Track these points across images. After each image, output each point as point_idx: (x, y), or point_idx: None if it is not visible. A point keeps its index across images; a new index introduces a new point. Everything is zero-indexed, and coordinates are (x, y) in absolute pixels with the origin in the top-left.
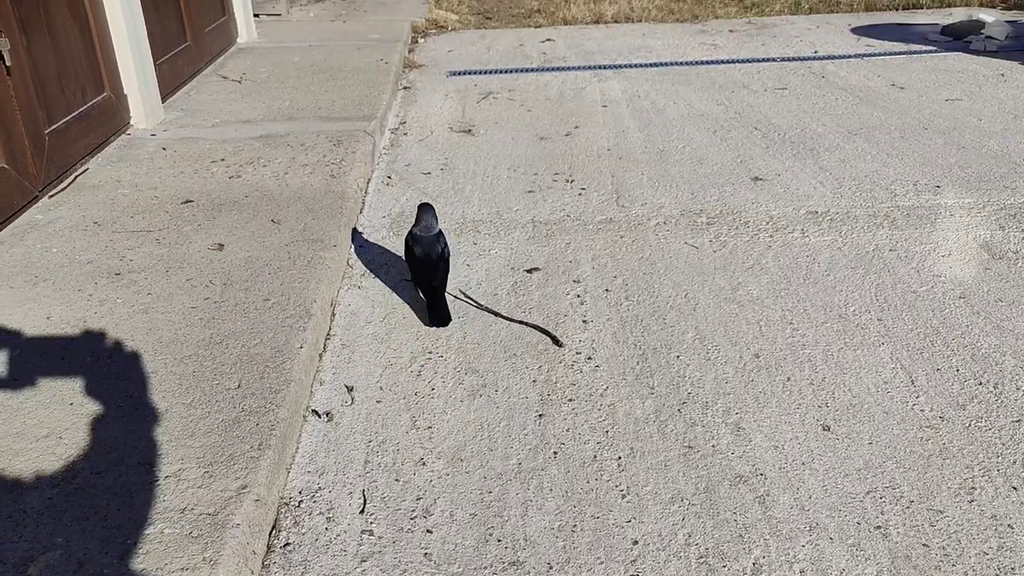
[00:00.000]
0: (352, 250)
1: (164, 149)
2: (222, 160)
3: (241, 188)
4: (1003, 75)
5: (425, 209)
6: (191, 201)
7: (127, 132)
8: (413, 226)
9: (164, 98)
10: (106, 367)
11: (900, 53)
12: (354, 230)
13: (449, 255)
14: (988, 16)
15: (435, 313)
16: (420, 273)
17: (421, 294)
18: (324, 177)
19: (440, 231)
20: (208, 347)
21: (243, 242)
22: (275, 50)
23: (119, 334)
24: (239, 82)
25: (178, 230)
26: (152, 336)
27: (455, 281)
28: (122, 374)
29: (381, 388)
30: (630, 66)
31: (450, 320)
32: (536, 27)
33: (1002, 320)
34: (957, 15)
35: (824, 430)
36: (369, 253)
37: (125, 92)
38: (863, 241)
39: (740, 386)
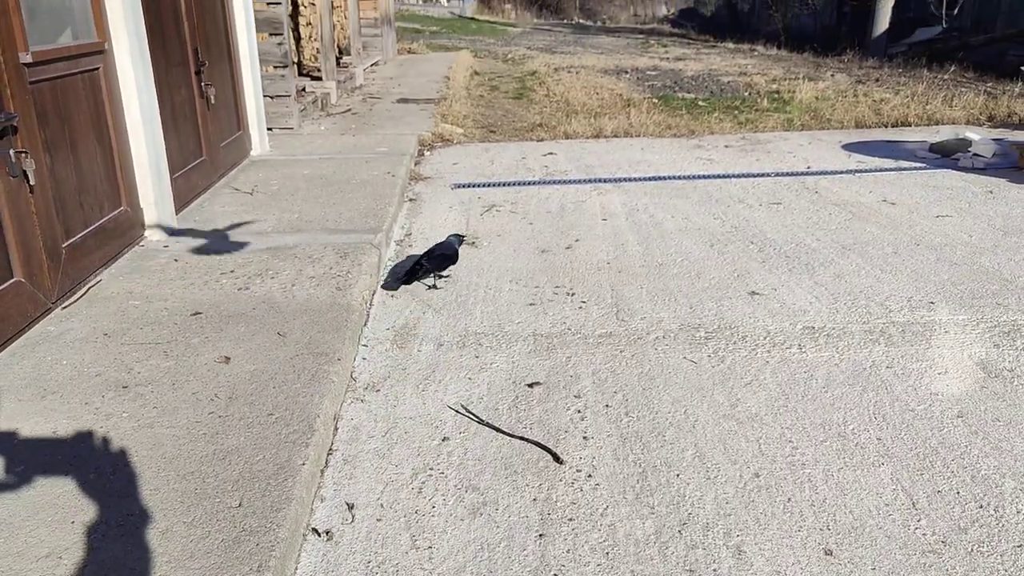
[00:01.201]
0: (356, 363)
1: (176, 260)
2: (231, 272)
3: (249, 300)
4: (991, 192)
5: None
6: (200, 313)
7: (141, 243)
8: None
9: (178, 210)
10: (109, 484)
11: (890, 170)
12: (358, 343)
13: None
14: (974, 134)
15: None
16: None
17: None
18: (330, 289)
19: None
20: (211, 463)
21: (249, 355)
22: (286, 163)
23: (123, 449)
24: (251, 194)
25: (186, 342)
26: (156, 451)
27: (456, 396)
28: (124, 491)
29: (382, 505)
30: (629, 180)
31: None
32: (538, 141)
33: (1000, 440)
34: (944, 133)
35: (826, 554)
36: (372, 366)
37: (141, 206)
38: (860, 357)
39: (741, 507)
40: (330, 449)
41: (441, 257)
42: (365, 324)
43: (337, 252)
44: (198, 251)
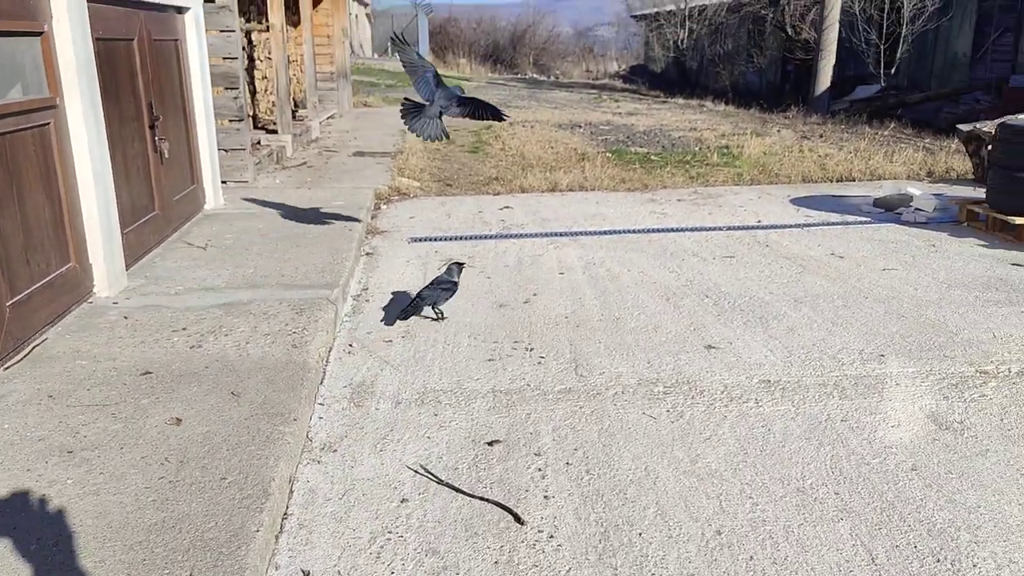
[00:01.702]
0: (312, 422)
1: (126, 318)
2: (184, 329)
3: (202, 358)
4: (934, 246)
5: (456, 266)
6: (150, 372)
7: (89, 300)
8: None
9: (128, 265)
10: (51, 555)
11: (837, 224)
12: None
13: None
14: (916, 189)
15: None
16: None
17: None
18: (286, 347)
19: (456, 281)
20: (160, 532)
21: (202, 416)
22: (241, 216)
23: (67, 518)
24: (204, 249)
25: (135, 403)
26: (102, 520)
27: (415, 455)
28: (67, 564)
29: (339, 572)
30: (585, 233)
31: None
32: (495, 194)
33: (954, 493)
34: (887, 188)
35: None
36: (329, 426)
37: (90, 262)
38: (815, 411)
39: (704, 566)
40: (285, 513)
41: (440, 289)
42: (321, 382)
43: (293, 308)
44: (149, 308)
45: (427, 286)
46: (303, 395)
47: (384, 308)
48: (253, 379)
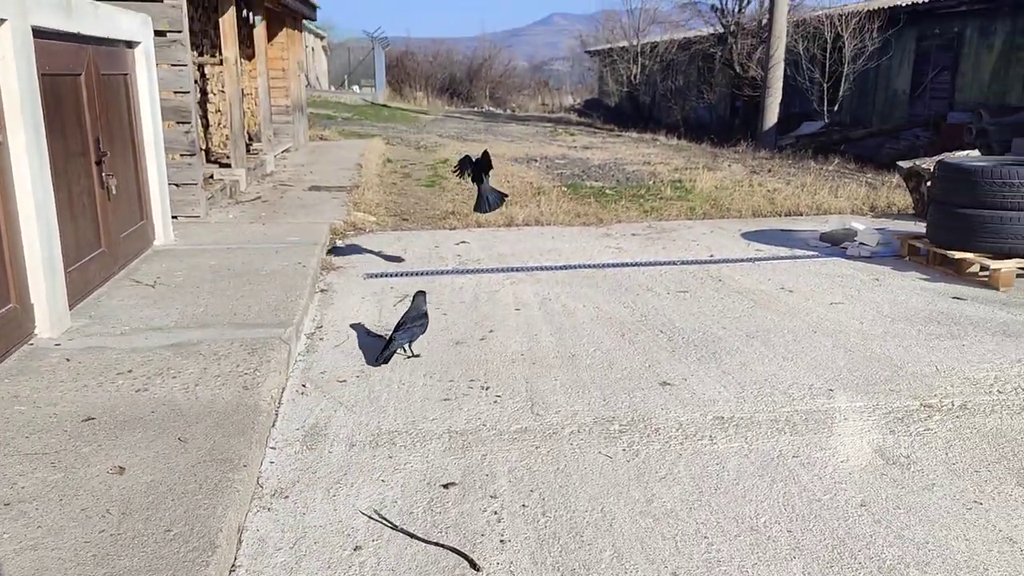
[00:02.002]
0: (263, 467)
1: (68, 360)
2: (129, 372)
3: (148, 403)
4: (877, 280)
5: (420, 295)
6: (93, 418)
7: (30, 342)
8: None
9: (72, 304)
10: None
11: (786, 258)
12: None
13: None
14: (860, 224)
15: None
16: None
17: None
18: (237, 389)
19: (426, 312)
20: None
21: (146, 464)
22: (192, 253)
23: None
24: (152, 287)
25: (76, 451)
26: None
27: (369, 500)
28: None
29: None
30: (541, 269)
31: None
32: (451, 229)
33: (902, 529)
34: (832, 222)
35: None
36: (280, 470)
37: (32, 301)
38: (767, 447)
39: None
40: (233, 565)
41: (416, 327)
42: (273, 424)
43: (245, 348)
44: (93, 349)
45: (400, 325)
46: (254, 439)
47: (337, 347)
48: (202, 423)
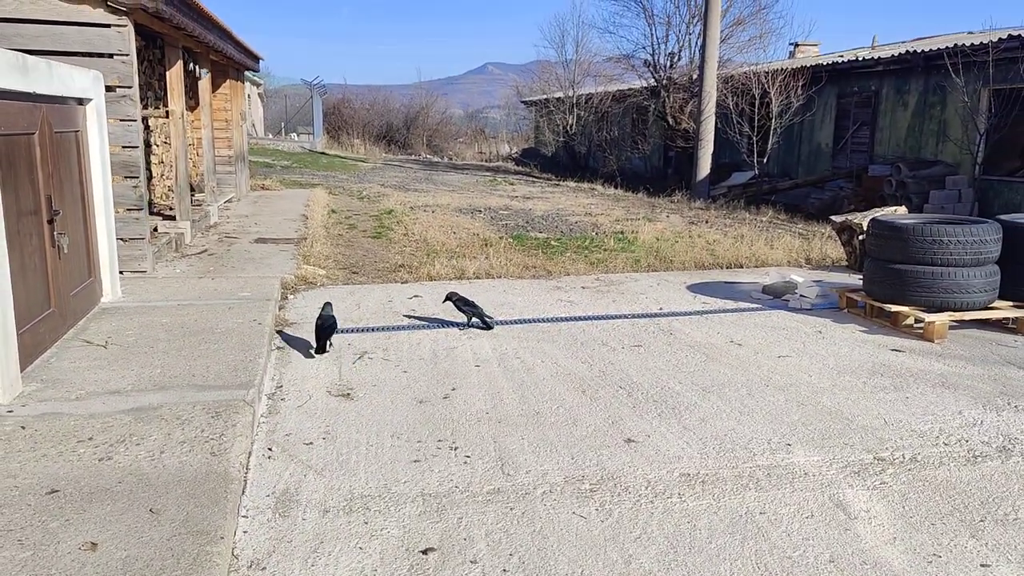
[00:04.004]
0: (236, 537)
1: (23, 428)
2: (90, 439)
3: (113, 472)
4: (820, 332)
5: (327, 306)
6: (57, 491)
7: None
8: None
9: (23, 367)
10: None
11: (732, 311)
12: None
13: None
14: (799, 277)
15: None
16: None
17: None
18: (204, 455)
19: (334, 317)
20: None
21: (119, 539)
22: (142, 310)
23: None
24: (104, 347)
25: (44, 527)
26: None
27: (348, 568)
28: None
29: None
30: (496, 323)
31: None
32: (402, 283)
33: None
34: (773, 275)
35: None
36: (255, 541)
37: None
38: (734, 504)
39: None
40: None
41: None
42: (243, 491)
43: (208, 412)
44: (49, 416)
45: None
46: (228, 509)
47: (300, 407)
48: (172, 493)
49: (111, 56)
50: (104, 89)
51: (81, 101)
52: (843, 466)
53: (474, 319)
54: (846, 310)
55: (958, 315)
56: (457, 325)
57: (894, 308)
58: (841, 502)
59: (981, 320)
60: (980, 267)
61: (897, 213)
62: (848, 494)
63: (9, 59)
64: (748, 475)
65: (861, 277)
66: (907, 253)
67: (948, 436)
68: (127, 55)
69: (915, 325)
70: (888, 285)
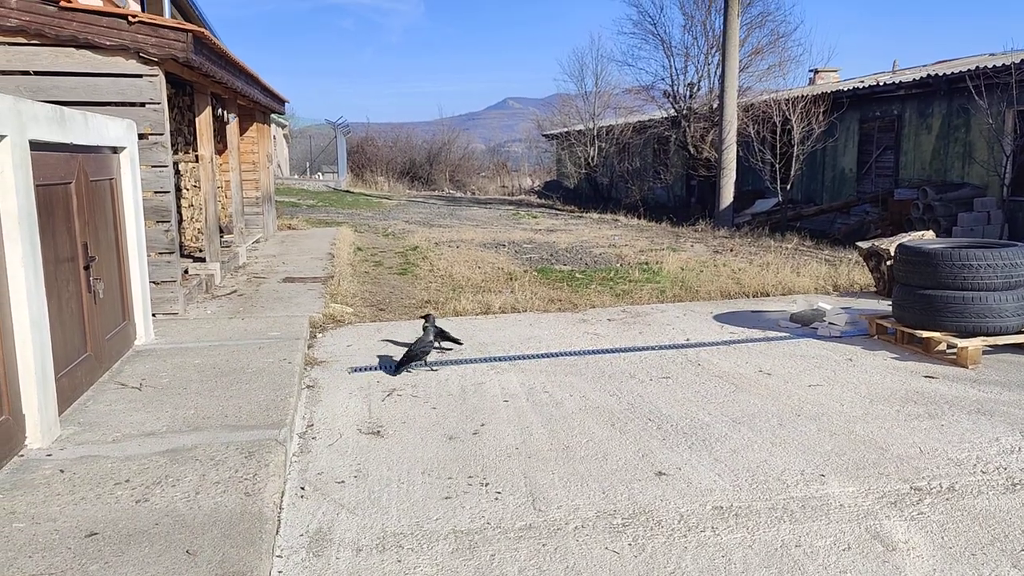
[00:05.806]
0: None
1: (62, 471)
2: (127, 481)
3: (150, 514)
4: (851, 360)
5: (429, 318)
6: (96, 533)
7: (21, 454)
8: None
9: (61, 411)
10: None
11: (760, 340)
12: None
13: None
14: (826, 304)
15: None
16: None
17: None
18: (239, 495)
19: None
20: None
21: None
22: (174, 352)
23: None
24: (139, 389)
25: (83, 570)
26: None
27: None
28: None
29: None
30: (523, 357)
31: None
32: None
33: None
34: (800, 303)
35: None
36: None
37: (24, 412)
38: (769, 537)
39: None
40: None
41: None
42: (277, 531)
43: (241, 452)
44: (86, 459)
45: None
46: (263, 549)
47: (331, 446)
48: (208, 534)
49: (143, 105)
50: (137, 137)
51: (115, 149)
52: (879, 496)
53: (442, 341)
54: (876, 337)
55: (991, 340)
56: (485, 360)
57: (925, 334)
58: (878, 534)
59: (1015, 344)
60: (1012, 291)
61: (924, 238)
62: (885, 525)
63: (47, 112)
64: (782, 507)
65: (890, 303)
66: (936, 279)
67: (986, 464)
68: (159, 103)
69: (947, 351)
70: (918, 311)
